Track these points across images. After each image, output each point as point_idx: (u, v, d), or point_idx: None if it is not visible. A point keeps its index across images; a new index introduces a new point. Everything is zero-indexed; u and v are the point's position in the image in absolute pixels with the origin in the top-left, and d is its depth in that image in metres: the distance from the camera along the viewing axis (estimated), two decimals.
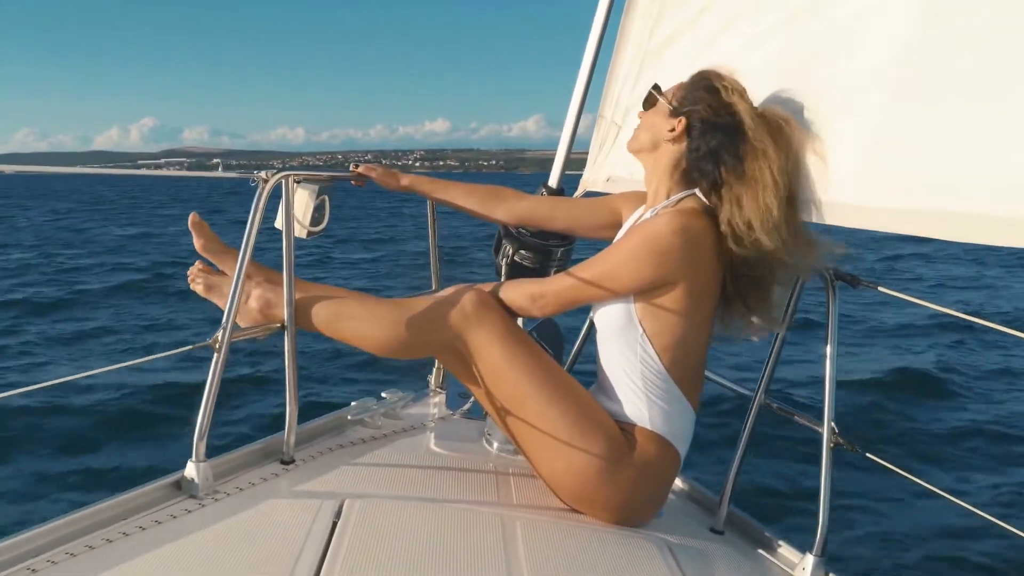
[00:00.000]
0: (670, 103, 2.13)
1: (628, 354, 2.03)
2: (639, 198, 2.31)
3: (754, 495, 5.08)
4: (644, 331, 2.00)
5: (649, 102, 2.21)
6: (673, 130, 2.09)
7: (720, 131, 2.01)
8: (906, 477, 2.05)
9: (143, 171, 2.25)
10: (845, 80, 2.04)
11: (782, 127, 2.02)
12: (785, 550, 2.12)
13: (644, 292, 1.99)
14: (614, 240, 2.28)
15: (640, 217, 2.21)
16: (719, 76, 2.08)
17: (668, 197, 2.11)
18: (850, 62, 2.04)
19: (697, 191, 2.08)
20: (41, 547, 1.60)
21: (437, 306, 2.12)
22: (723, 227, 1.98)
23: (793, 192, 2.02)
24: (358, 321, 2.17)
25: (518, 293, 2.13)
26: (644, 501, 2.07)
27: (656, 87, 2.20)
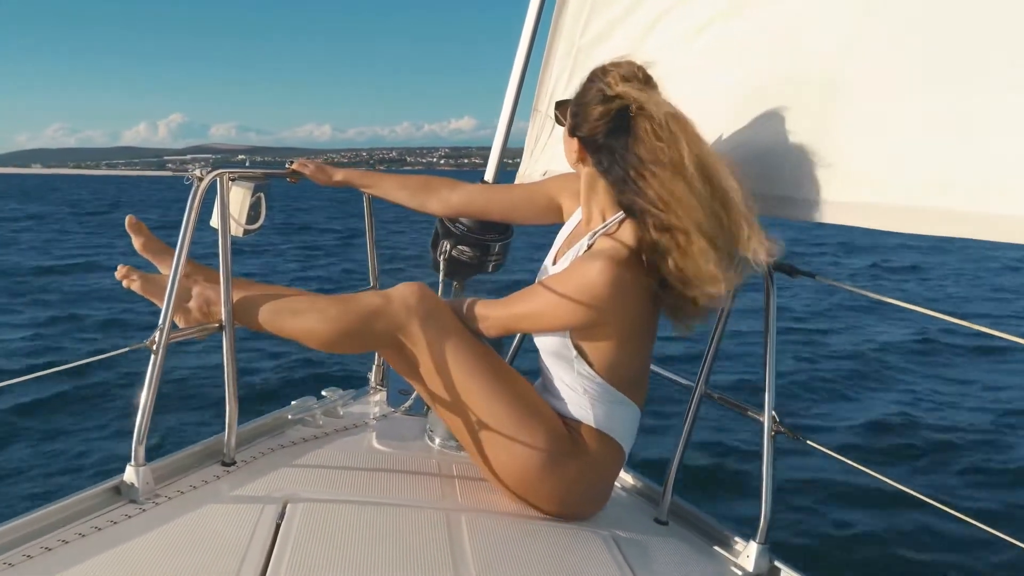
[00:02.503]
0: (565, 122, 2.03)
1: (566, 368, 2.02)
2: (577, 182, 2.17)
3: (697, 485, 5.14)
4: (579, 355, 1.98)
5: (558, 121, 2.12)
6: (576, 151, 2.02)
7: (615, 133, 1.88)
8: (845, 462, 2.07)
9: (72, 170, 2.20)
10: (781, 75, 2.05)
11: (682, 121, 1.83)
12: (729, 538, 2.14)
13: (577, 330, 1.97)
14: (556, 237, 2.27)
15: (578, 241, 2.10)
16: (602, 73, 1.94)
17: (604, 219, 2.03)
18: (788, 57, 2.04)
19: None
20: None
21: (381, 300, 2.09)
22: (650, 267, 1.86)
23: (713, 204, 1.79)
24: (301, 316, 2.13)
25: (466, 308, 2.11)
26: (588, 495, 2.07)
27: (559, 104, 2.11)
